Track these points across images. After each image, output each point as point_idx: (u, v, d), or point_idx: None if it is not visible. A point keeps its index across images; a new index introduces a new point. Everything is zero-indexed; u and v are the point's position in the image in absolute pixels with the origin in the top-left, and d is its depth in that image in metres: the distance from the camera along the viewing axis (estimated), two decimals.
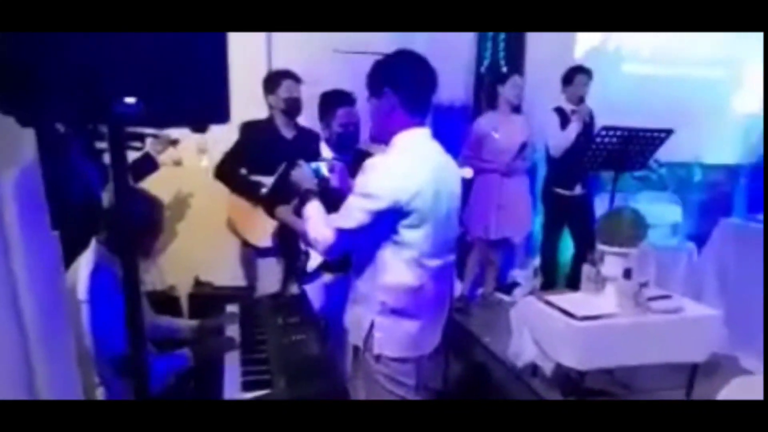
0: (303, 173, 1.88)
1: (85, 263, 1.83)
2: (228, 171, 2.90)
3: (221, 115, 1.23)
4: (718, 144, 4.88)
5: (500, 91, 3.76)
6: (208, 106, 1.18)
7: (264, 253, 2.94)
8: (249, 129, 2.87)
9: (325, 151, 2.62)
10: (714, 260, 3.63)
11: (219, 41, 1.18)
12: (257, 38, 3.62)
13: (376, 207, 1.59)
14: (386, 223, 1.63)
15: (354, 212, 1.62)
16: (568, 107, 3.80)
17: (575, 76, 3.78)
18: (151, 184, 2.61)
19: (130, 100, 1.07)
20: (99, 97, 1.07)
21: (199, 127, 1.26)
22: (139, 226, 1.77)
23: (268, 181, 2.82)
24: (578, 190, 3.87)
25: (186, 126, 1.26)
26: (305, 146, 2.82)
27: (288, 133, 2.93)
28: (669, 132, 3.31)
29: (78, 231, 1.78)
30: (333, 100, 2.58)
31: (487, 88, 4.06)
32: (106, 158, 2.56)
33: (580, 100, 3.75)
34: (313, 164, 1.92)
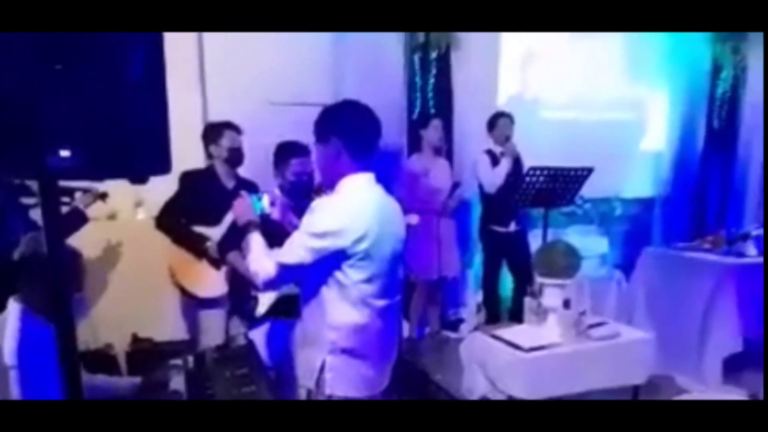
0: (245, 205, 1.89)
1: (10, 327, 1.71)
2: (169, 221, 2.87)
3: (162, 166, 1.22)
4: (633, 179, 5.29)
5: (423, 134, 3.96)
6: (149, 157, 1.17)
7: (207, 304, 2.86)
8: (189, 179, 2.85)
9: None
10: (641, 286, 3.85)
11: (158, 91, 1.18)
12: (193, 91, 3.62)
13: (319, 246, 1.62)
14: (330, 262, 1.65)
15: (297, 249, 1.65)
16: (496, 149, 4.02)
17: (498, 120, 4.04)
18: (84, 238, 2.51)
19: (65, 153, 1.03)
20: (34, 151, 1.03)
21: (140, 179, 1.24)
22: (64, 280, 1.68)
23: (210, 232, 2.79)
24: (513, 226, 4.04)
25: (127, 178, 1.23)
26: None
27: (228, 183, 2.94)
28: (590, 170, 3.57)
29: None
30: (287, 151, 2.67)
31: (416, 132, 4.20)
32: (31, 213, 2.49)
33: (506, 140, 3.98)
34: (255, 197, 1.93)
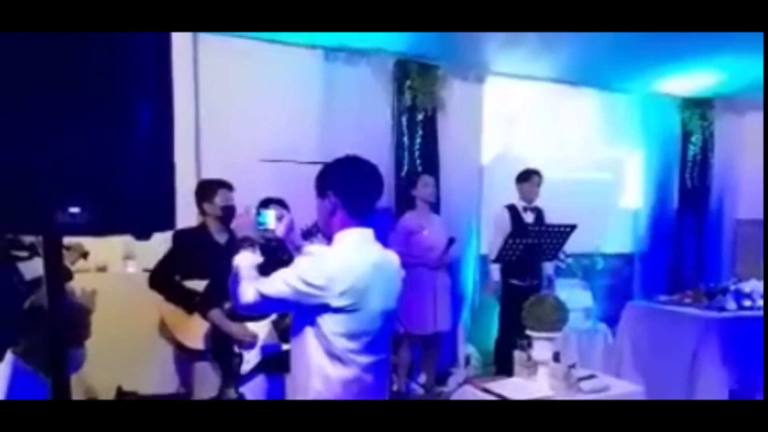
0: (246, 220, 1.87)
1: (1, 378, 1.68)
2: (163, 280, 2.88)
3: (166, 222, 1.20)
4: (613, 236, 5.47)
5: (414, 193, 4.03)
6: (153, 213, 1.17)
7: (201, 356, 2.83)
8: (183, 236, 2.83)
9: None
10: (627, 339, 3.90)
11: (165, 147, 1.19)
12: (186, 149, 3.68)
13: (301, 289, 1.60)
14: (315, 311, 1.63)
15: (280, 283, 1.63)
16: (520, 204, 4.14)
17: (531, 176, 4.16)
18: (73, 290, 2.50)
19: (73, 209, 1.02)
20: (40, 207, 1.02)
21: (143, 235, 1.25)
22: (68, 334, 1.68)
23: (202, 286, 2.80)
24: (530, 281, 4.02)
25: (132, 234, 1.25)
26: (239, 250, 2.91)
27: (221, 239, 2.97)
28: (573, 227, 3.69)
29: None
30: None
31: (405, 191, 4.31)
32: (21, 266, 2.47)
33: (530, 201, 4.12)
34: (262, 212, 1.89)
